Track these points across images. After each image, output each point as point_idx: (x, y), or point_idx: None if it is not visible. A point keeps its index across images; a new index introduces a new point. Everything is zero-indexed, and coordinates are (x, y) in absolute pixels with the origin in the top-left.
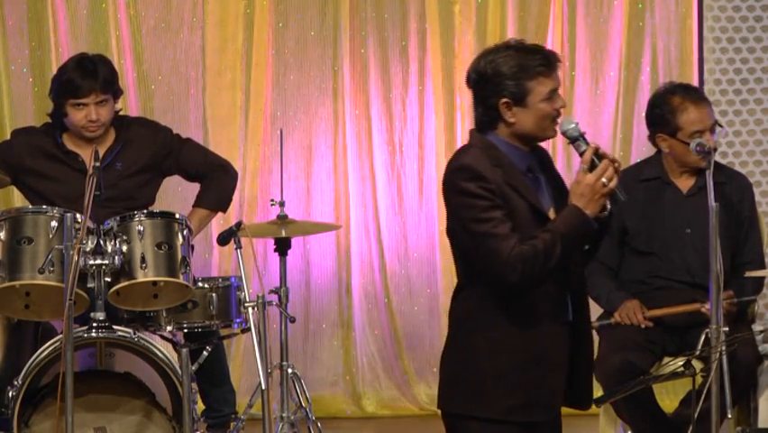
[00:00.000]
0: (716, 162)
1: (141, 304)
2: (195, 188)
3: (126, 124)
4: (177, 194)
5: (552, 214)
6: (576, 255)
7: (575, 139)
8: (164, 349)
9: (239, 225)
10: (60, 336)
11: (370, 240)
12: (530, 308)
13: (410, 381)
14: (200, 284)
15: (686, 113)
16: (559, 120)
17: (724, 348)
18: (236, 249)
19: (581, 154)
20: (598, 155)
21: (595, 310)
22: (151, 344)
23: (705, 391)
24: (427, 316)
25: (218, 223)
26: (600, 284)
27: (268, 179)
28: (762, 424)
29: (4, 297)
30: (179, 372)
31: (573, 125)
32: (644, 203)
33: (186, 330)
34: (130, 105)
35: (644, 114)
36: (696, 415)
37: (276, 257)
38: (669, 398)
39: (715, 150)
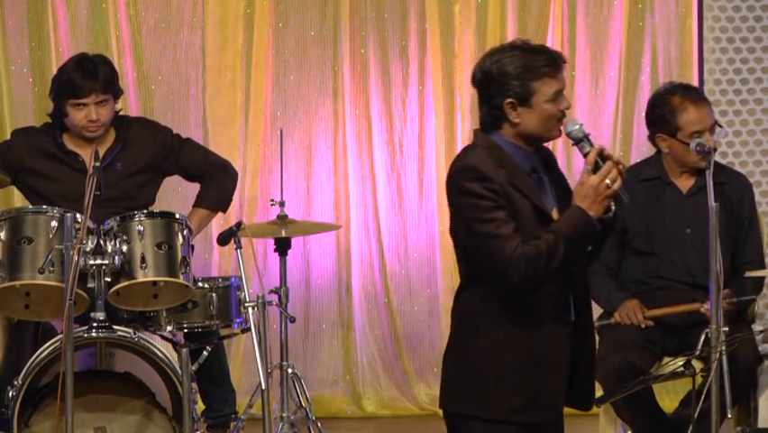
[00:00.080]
0: (716, 162)
1: (142, 304)
2: (195, 188)
3: (126, 125)
4: (177, 194)
5: (555, 214)
6: (579, 256)
7: (579, 140)
8: (164, 349)
9: (239, 225)
10: (60, 336)
11: (370, 240)
12: (533, 309)
13: (410, 381)
14: (200, 284)
15: (686, 113)
16: (564, 121)
17: (724, 348)
18: (236, 249)
19: (586, 156)
20: (602, 156)
21: (595, 310)
22: (151, 344)
23: (705, 391)
24: (427, 316)
25: (218, 223)
26: (600, 284)
27: (268, 179)
28: (762, 424)
29: (4, 297)
30: (179, 372)
31: (578, 126)
32: (644, 203)
33: (186, 330)
34: (130, 105)
35: (644, 114)
36: (696, 415)
37: (276, 257)
38: (669, 398)
39: (715, 150)
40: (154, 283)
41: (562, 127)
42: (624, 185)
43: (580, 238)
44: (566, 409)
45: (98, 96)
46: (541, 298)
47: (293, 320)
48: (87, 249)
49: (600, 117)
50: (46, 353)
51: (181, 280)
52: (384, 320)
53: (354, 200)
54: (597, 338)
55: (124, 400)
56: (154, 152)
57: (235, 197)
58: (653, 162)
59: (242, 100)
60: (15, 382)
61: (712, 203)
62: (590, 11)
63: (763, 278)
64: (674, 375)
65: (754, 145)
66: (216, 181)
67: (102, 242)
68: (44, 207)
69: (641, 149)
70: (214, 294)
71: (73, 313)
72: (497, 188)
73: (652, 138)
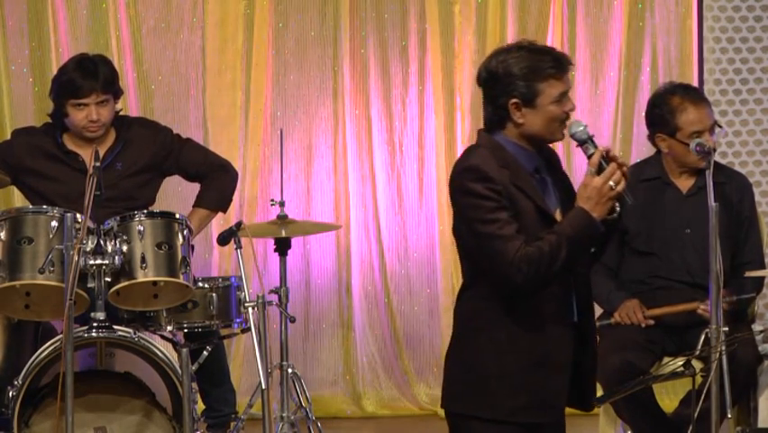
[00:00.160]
0: (715, 162)
1: (142, 304)
2: (195, 188)
3: (127, 125)
4: (177, 194)
5: (558, 215)
6: (582, 258)
7: (583, 142)
8: (164, 349)
9: (239, 225)
10: (60, 335)
11: (370, 240)
12: (535, 310)
13: (410, 381)
14: (200, 284)
15: (685, 113)
16: (568, 122)
17: (724, 348)
18: (236, 249)
19: (590, 157)
20: (606, 158)
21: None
22: (151, 344)
23: (705, 391)
24: (427, 316)
25: (218, 223)
26: (600, 284)
27: (268, 179)
28: (762, 424)
29: (5, 297)
30: (179, 372)
31: (582, 128)
32: (644, 203)
33: (186, 330)
34: (130, 105)
35: (644, 114)
36: (696, 415)
37: (276, 257)
38: (669, 398)
39: (714, 150)
40: (154, 283)
41: (565, 129)
42: (627, 186)
43: (583, 240)
44: (566, 409)
45: (99, 97)
46: (543, 298)
47: (293, 320)
48: (87, 249)
49: (600, 117)
50: (46, 353)
51: (181, 280)
52: (384, 320)
53: (354, 200)
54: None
55: (124, 400)
56: (154, 153)
57: (235, 197)
58: (653, 162)
59: (242, 100)
60: (15, 382)
61: (712, 203)
62: (590, 11)
63: (762, 278)
64: (674, 375)
65: (754, 145)
66: (216, 181)
67: (102, 242)
68: (44, 207)
69: (641, 149)
70: (214, 294)
71: (73, 313)
72: (500, 189)
73: (651, 138)
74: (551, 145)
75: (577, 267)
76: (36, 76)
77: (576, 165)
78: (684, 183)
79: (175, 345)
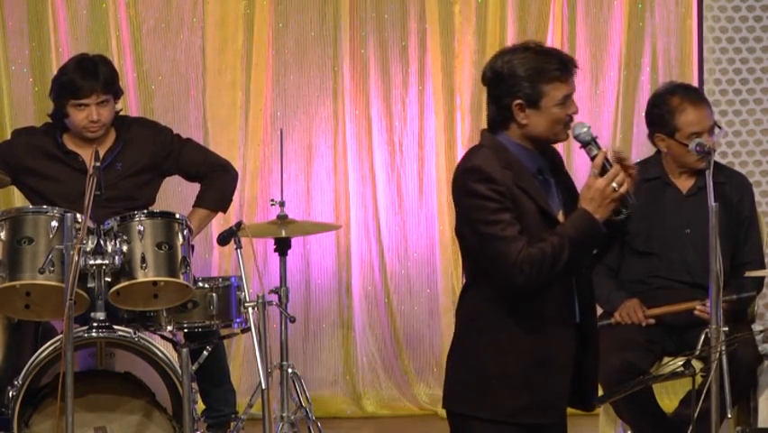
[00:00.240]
0: (715, 162)
1: (142, 304)
2: (195, 188)
3: (127, 125)
4: (177, 194)
5: (561, 216)
6: (585, 259)
7: (587, 143)
8: (164, 349)
9: (239, 225)
10: (60, 335)
11: (370, 240)
12: (537, 310)
13: (410, 381)
14: (200, 284)
15: (684, 114)
16: (571, 125)
17: (724, 348)
18: (236, 249)
19: (593, 159)
20: (609, 160)
21: None
22: (152, 344)
23: (705, 391)
24: (427, 316)
25: (218, 223)
26: (600, 284)
27: (268, 179)
28: (762, 424)
29: (5, 297)
30: (179, 372)
31: (585, 129)
32: (644, 203)
33: (186, 330)
34: (130, 105)
35: (644, 113)
36: (696, 415)
37: (276, 257)
38: (669, 398)
39: (714, 151)
40: (154, 283)
41: (569, 130)
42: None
43: (586, 241)
44: (567, 409)
45: (99, 97)
46: (545, 299)
47: (293, 320)
48: (88, 249)
49: (600, 117)
50: (46, 353)
51: (181, 280)
52: (384, 320)
53: (354, 200)
54: None
55: (124, 400)
56: (154, 153)
57: (235, 197)
58: (653, 162)
59: (242, 100)
60: (15, 382)
61: (712, 203)
62: (590, 11)
63: (762, 278)
64: (674, 375)
65: (754, 145)
66: (217, 181)
67: (102, 242)
68: (44, 207)
69: (641, 149)
70: (214, 294)
71: (73, 313)
72: (502, 190)
73: (651, 138)
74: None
75: (580, 268)
76: (36, 76)
77: (577, 166)
78: (684, 183)
79: (175, 345)
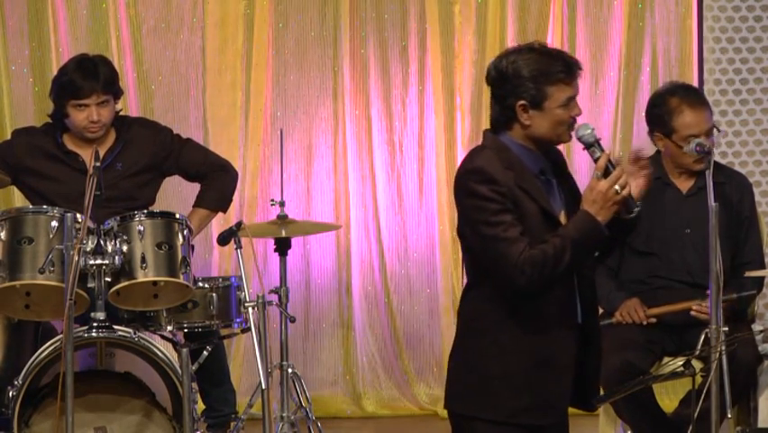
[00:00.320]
0: (715, 162)
1: (142, 304)
2: (195, 188)
3: (127, 125)
4: (177, 194)
5: (563, 217)
6: (586, 261)
7: (590, 145)
8: (164, 349)
9: (239, 225)
10: (60, 335)
11: (370, 240)
12: (539, 311)
13: (410, 381)
14: (200, 284)
15: (682, 116)
16: (575, 126)
17: (724, 348)
18: (236, 249)
19: (596, 161)
20: (612, 162)
21: None
22: (152, 344)
23: (705, 391)
24: (427, 316)
25: (218, 223)
26: (600, 284)
27: (268, 179)
28: (761, 424)
29: (5, 297)
30: (179, 372)
31: (589, 131)
32: (644, 203)
33: (186, 330)
34: (130, 105)
35: (644, 113)
36: (696, 415)
37: (276, 257)
38: (669, 398)
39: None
40: (154, 283)
41: (572, 132)
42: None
43: (588, 243)
44: (569, 409)
45: (99, 97)
46: (547, 300)
47: (293, 320)
48: (88, 249)
49: (600, 117)
50: (46, 353)
51: (181, 280)
52: (384, 320)
53: (354, 200)
54: None
55: (124, 400)
56: (154, 153)
57: (235, 197)
58: (653, 162)
59: (242, 100)
60: (15, 382)
61: (712, 203)
62: (590, 11)
63: (762, 277)
64: (674, 375)
65: (754, 145)
66: (217, 181)
67: (102, 242)
68: (44, 207)
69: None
70: (214, 294)
71: (73, 313)
72: (504, 191)
73: (651, 136)
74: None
75: (582, 269)
76: (36, 76)
77: (577, 166)
78: (684, 183)
79: (175, 345)
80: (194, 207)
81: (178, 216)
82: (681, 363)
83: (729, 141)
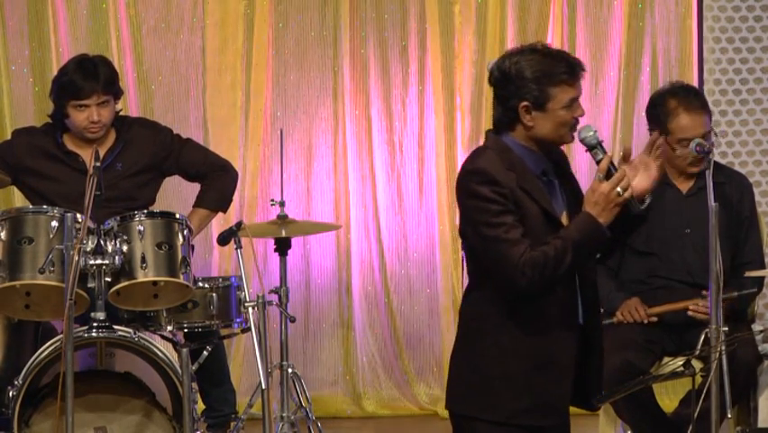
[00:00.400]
0: (715, 162)
1: (142, 304)
2: (195, 188)
3: (127, 125)
4: (177, 194)
5: (565, 218)
6: (588, 262)
7: (593, 147)
8: (164, 349)
9: (239, 225)
10: (60, 335)
11: (370, 240)
12: (540, 312)
13: (410, 381)
14: (200, 284)
15: (677, 119)
16: (577, 127)
17: (724, 348)
18: (236, 249)
19: (598, 162)
20: (614, 164)
21: None
22: (152, 344)
23: (705, 391)
24: (427, 316)
25: (218, 223)
26: (601, 285)
27: (268, 179)
28: (761, 424)
29: (5, 297)
30: (179, 371)
31: (592, 133)
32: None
33: (186, 330)
34: (130, 105)
35: (644, 113)
36: (696, 415)
37: (276, 257)
38: (669, 398)
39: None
40: (154, 283)
41: (574, 133)
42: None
43: (589, 245)
44: (570, 409)
45: (99, 98)
46: (548, 301)
47: (293, 320)
48: (88, 249)
49: (600, 117)
50: (46, 353)
51: (181, 280)
52: (384, 320)
53: (354, 200)
54: None
55: (124, 400)
56: (154, 153)
57: (235, 197)
58: None
59: (242, 100)
60: (15, 382)
61: (712, 203)
62: (590, 11)
63: (762, 277)
64: (674, 375)
65: (754, 145)
66: (217, 182)
67: (102, 242)
68: (44, 207)
69: (641, 149)
70: (214, 294)
71: (73, 313)
72: (506, 192)
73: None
74: None
75: (584, 270)
76: (36, 76)
77: (577, 167)
78: (684, 183)
79: (175, 345)
80: (194, 207)
81: (178, 216)
82: (681, 363)
83: (729, 141)
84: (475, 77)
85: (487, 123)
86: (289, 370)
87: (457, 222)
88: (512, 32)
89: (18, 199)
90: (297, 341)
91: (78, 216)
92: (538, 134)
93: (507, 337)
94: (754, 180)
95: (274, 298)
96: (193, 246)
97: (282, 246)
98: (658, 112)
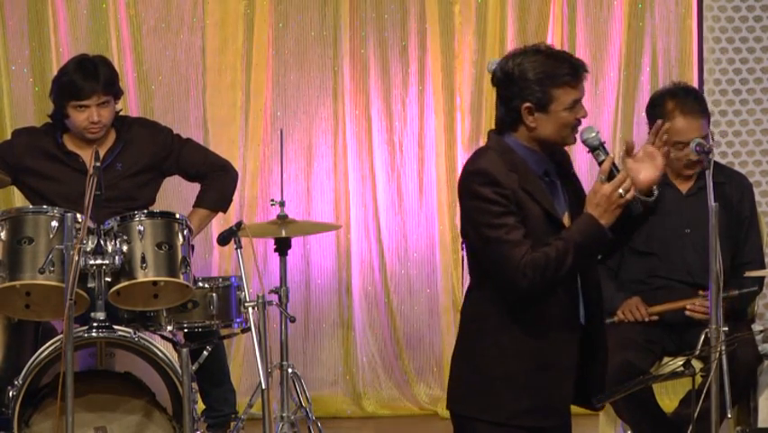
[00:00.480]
0: (715, 162)
1: (142, 304)
2: (195, 188)
3: (127, 125)
4: (177, 194)
5: (566, 219)
6: (590, 264)
7: (595, 148)
8: (164, 349)
9: (239, 225)
10: (61, 335)
11: (370, 240)
12: (541, 313)
13: (410, 381)
14: (200, 284)
15: (673, 121)
16: (579, 129)
17: (724, 348)
18: (236, 249)
19: (600, 164)
20: (617, 165)
21: None
22: (152, 344)
23: (705, 391)
24: (427, 316)
25: (218, 223)
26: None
27: (268, 179)
28: (761, 424)
29: (5, 297)
30: (179, 372)
31: (594, 134)
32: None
33: (186, 330)
34: (130, 105)
35: (644, 113)
36: (696, 415)
37: (276, 257)
38: (669, 398)
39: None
40: (154, 283)
41: (577, 134)
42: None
43: (591, 247)
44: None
45: (100, 98)
46: (550, 302)
47: (293, 320)
48: (88, 249)
49: (600, 117)
50: (46, 353)
51: (181, 280)
52: (384, 320)
53: (354, 200)
54: None
55: (124, 400)
56: (154, 153)
57: (235, 197)
58: None
59: (242, 100)
60: (15, 382)
61: (712, 203)
62: (590, 11)
63: (762, 277)
64: (674, 375)
65: (754, 145)
66: (217, 182)
67: (102, 242)
68: (44, 207)
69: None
70: (214, 294)
71: (73, 313)
72: (508, 193)
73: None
74: None
75: (587, 271)
76: (36, 76)
77: (578, 168)
78: (684, 183)
79: (175, 345)
80: (194, 207)
81: (178, 216)
82: (681, 363)
83: (729, 141)
84: (475, 77)
85: (487, 123)
86: (289, 370)
87: (457, 222)
88: (512, 32)
89: (18, 199)
90: (297, 341)
91: (78, 216)
92: (541, 135)
93: (507, 338)
94: (754, 180)
95: (274, 298)
96: (193, 246)
97: (282, 246)
98: (656, 112)
